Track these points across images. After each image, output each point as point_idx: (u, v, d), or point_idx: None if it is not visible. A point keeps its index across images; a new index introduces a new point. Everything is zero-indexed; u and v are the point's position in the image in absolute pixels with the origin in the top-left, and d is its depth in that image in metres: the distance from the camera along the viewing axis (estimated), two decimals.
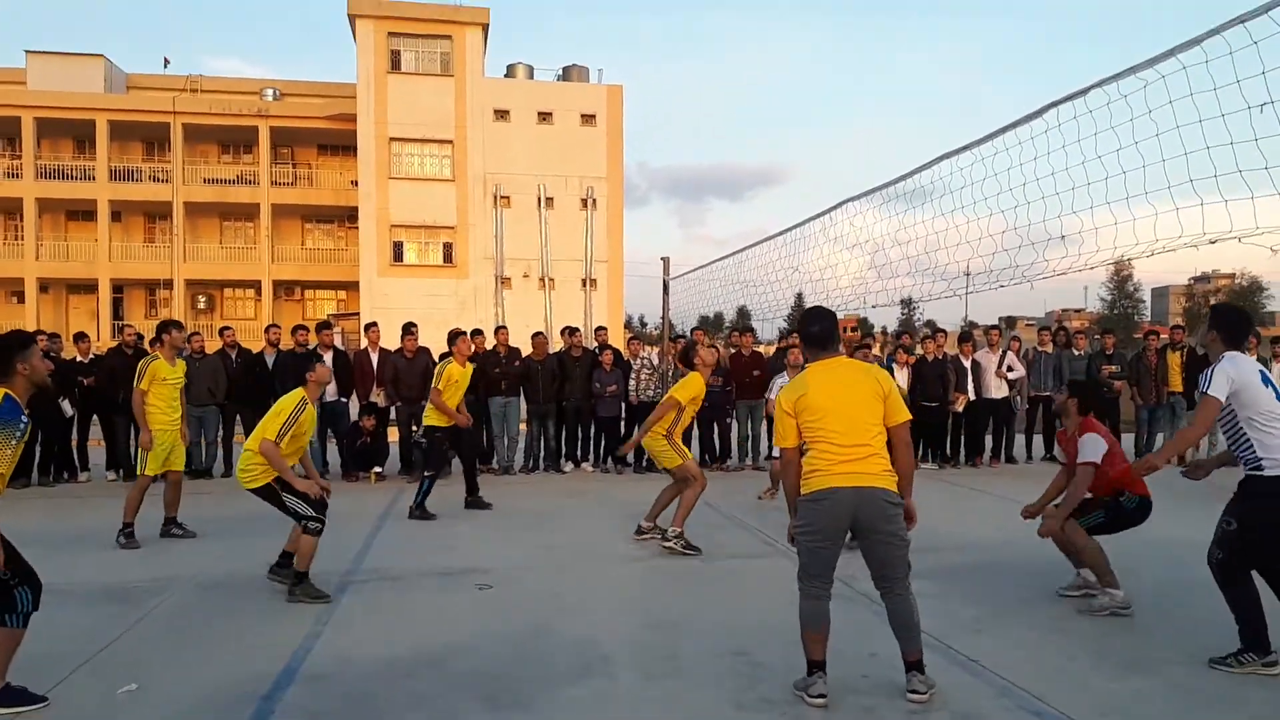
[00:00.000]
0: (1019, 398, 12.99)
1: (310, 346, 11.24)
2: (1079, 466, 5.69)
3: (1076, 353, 13.20)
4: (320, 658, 4.84)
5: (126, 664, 4.73)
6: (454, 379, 9.02)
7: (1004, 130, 6.35)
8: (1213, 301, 60.87)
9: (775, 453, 8.88)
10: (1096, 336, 16.98)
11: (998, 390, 12.54)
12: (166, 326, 8.04)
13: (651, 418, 7.66)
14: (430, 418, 9.11)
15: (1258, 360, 4.79)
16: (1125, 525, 5.81)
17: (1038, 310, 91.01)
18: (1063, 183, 6.03)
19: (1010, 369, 12.56)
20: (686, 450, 7.79)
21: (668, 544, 7.41)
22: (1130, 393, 12.97)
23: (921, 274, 7.99)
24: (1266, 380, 4.61)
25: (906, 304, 72.51)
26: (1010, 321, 76.47)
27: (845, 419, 4.18)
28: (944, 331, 13.23)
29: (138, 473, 7.84)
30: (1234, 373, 4.54)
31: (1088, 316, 76.44)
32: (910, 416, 4.37)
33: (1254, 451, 4.55)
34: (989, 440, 12.91)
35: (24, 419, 4.10)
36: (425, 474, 9.00)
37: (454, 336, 9.43)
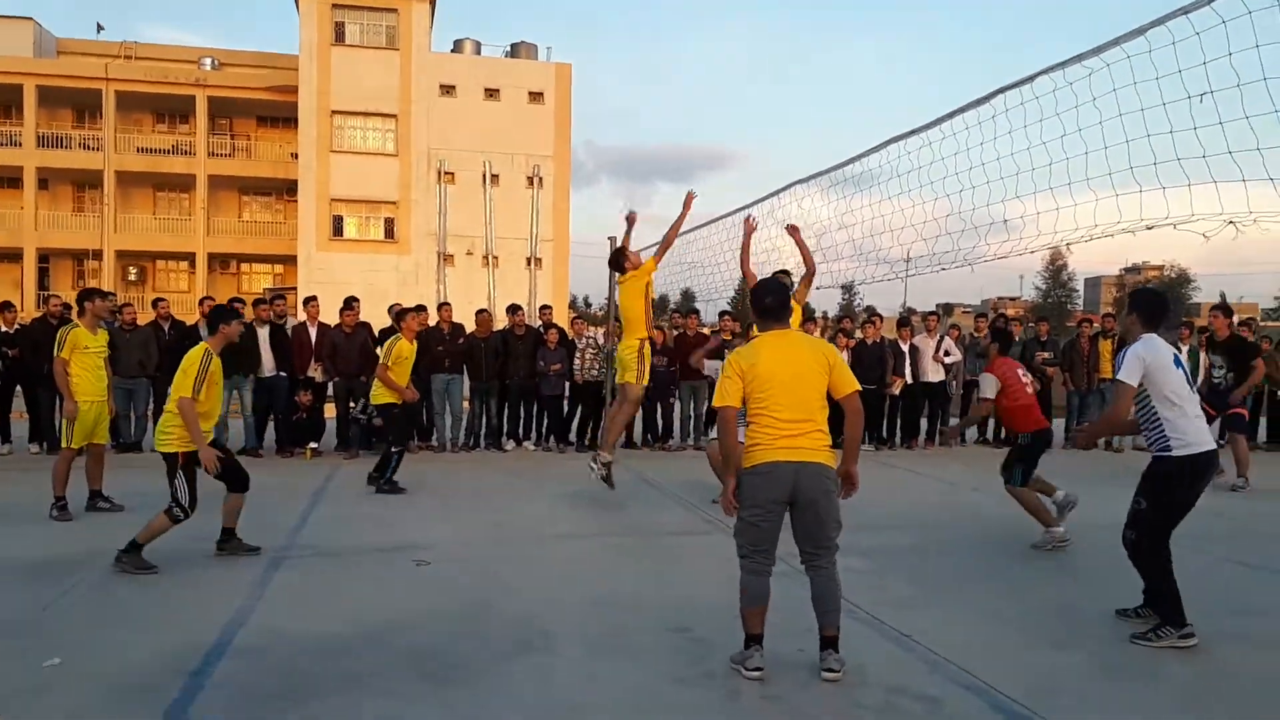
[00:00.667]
0: (954, 382, 13.24)
1: (246, 320, 10.96)
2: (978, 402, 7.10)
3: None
4: (253, 632, 4.75)
5: (51, 638, 4.59)
6: (403, 355, 8.93)
7: (951, 115, 6.42)
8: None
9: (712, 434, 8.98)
10: (1031, 324, 17.36)
11: (934, 374, 12.77)
12: (89, 294, 7.81)
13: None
14: (381, 395, 8.95)
15: (1186, 349, 4.95)
16: (1038, 455, 6.99)
17: (974, 298, 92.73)
18: (1007, 168, 6.14)
19: (947, 353, 12.79)
20: (645, 374, 8.18)
21: (592, 467, 8.03)
22: (1063, 378, 13.29)
23: (864, 257, 8.08)
24: (1178, 363, 4.80)
25: (847, 289, 73.45)
26: (948, 308, 77.92)
27: (790, 393, 4.24)
28: (880, 316, 13.42)
29: (61, 445, 7.62)
30: (1146, 355, 4.74)
31: (1023, 305, 78.20)
32: (859, 386, 4.46)
33: (1163, 432, 4.78)
34: (924, 423, 13.14)
35: None
36: (392, 449, 8.87)
37: (402, 313, 9.32)
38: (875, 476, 9.90)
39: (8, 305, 11.52)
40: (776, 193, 8.92)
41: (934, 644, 4.68)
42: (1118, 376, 4.76)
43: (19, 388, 11.12)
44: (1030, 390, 6.90)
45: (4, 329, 11.04)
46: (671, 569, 6.22)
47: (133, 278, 38.59)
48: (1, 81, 35.48)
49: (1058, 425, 13.57)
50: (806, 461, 4.19)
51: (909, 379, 12.65)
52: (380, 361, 8.93)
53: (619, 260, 8.57)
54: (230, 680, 4.10)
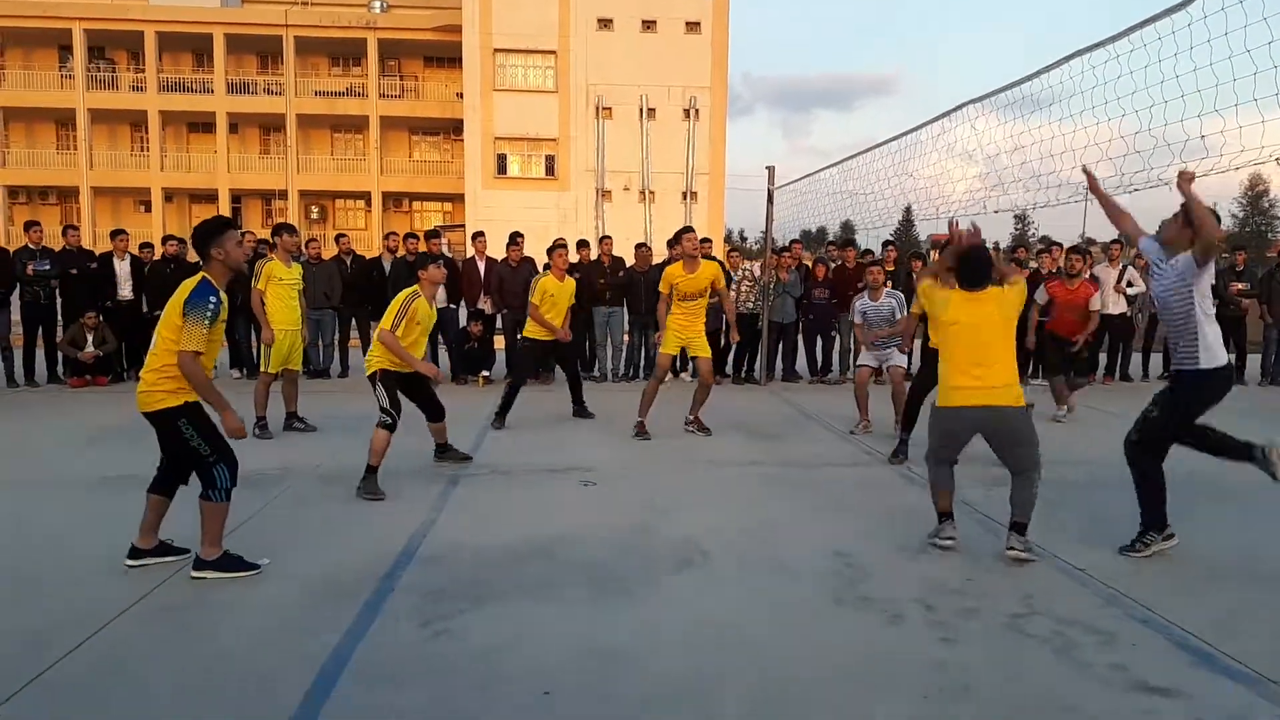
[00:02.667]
0: (1139, 314, 12.47)
1: (419, 253, 11.52)
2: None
3: None
4: (435, 543, 5.09)
5: (257, 544, 5.04)
6: (549, 292, 8.69)
7: (1143, 24, 5.91)
8: None
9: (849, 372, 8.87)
10: (1225, 254, 16.06)
11: (1115, 306, 12.04)
12: (280, 229, 8.37)
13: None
14: (530, 330, 8.92)
15: None
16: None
17: None
18: (1205, 80, 5.66)
19: (1130, 284, 12.02)
20: (668, 339, 8.39)
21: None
22: (1260, 311, 12.30)
23: (1039, 181, 7.60)
24: None
25: (1021, 219, 69.80)
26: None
27: (973, 337, 4.78)
28: (1059, 245, 12.68)
29: (260, 370, 8.27)
30: None
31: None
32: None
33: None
34: (1103, 357, 12.46)
35: (213, 299, 4.39)
36: (507, 383, 8.87)
37: (552, 249, 9.12)
38: (1051, 412, 9.50)
39: None
40: (947, 113, 8.48)
41: (1110, 579, 4.53)
42: None
43: None
44: None
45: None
46: (829, 498, 6.21)
47: (315, 216, 40.91)
48: (194, 31, 37.94)
49: (1253, 361, 12.64)
50: (989, 406, 4.73)
51: None
52: (529, 299, 8.78)
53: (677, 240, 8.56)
54: (416, 585, 4.42)
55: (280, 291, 8.10)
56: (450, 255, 12.32)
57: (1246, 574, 4.64)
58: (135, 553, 4.62)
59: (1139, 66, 6.20)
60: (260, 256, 11.17)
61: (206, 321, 4.33)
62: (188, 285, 4.42)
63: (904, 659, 3.64)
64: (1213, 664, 3.58)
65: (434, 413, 6.91)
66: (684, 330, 8.37)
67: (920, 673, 3.50)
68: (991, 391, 4.71)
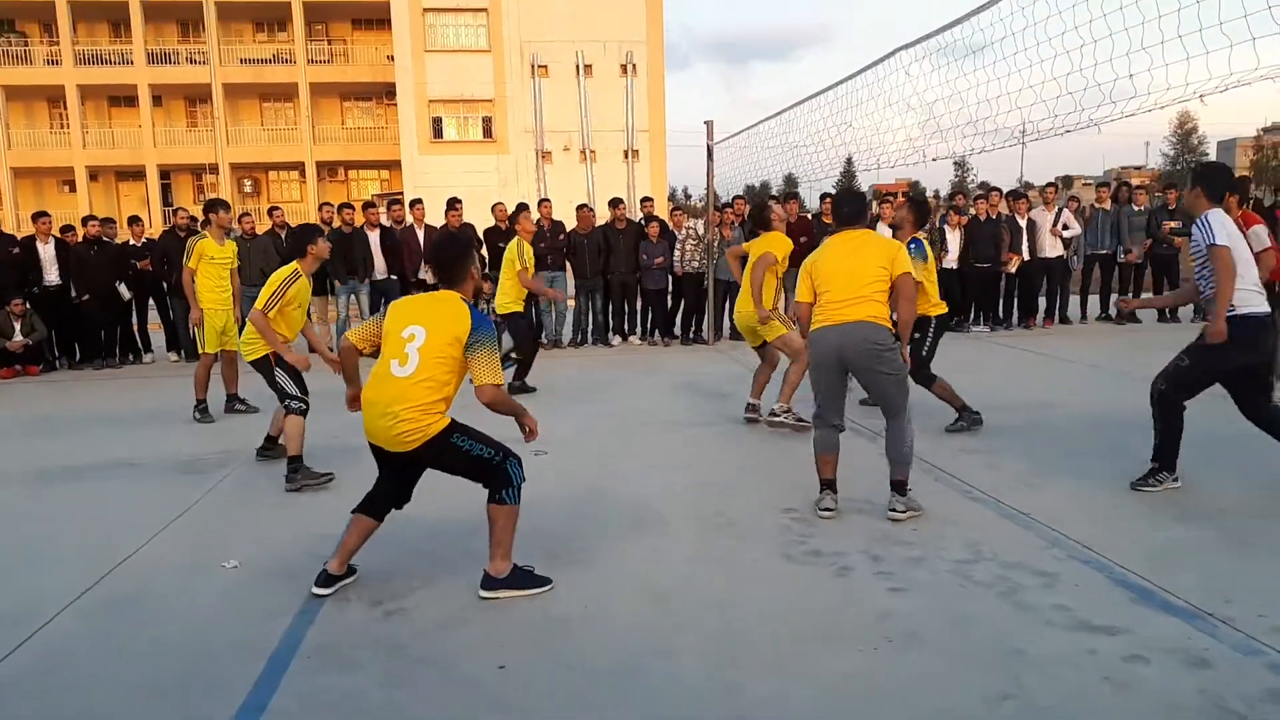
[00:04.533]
0: (1075, 257, 12.70)
1: (355, 225, 11.28)
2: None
3: (1137, 208, 12.78)
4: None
5: (201, 530, 4.96)
6: (530, 256, 8.76)
7: None
8: None
9: None
10: (1158, 193, 16.42)
11: (1053, 249, 12.24)
12: (214, 206, 8.11)
13: (756, 285, 6.91)
14: (508, 303, 8.70)
15: None
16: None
17: (1095, 169, 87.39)
18: (1132, 17, 5.67)
19: (1066, 227, 12.22)
20: (789, 320, 7.06)
21: (774, 419, 7.03)
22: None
23: (979, 126, 7.64)
24: None
25: (960, 165, 70.56)
26: (1067, 180, 73.97)
27: (844, 276, 4.74)
28: (998, 190, 12.82)
29: (198, 351, 8.07)
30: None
31: (1149, 174, 73.41)
32: (910, 270, 4.81)
33: None
34: (1043, 301, 12.69)
35: (486, 320, 4.21)
36: (519, 356, 8.86)
37: (517, 212, 9.20)
38: (991, 357, 9.69)
39: (135, 219, 12.13)
40: (880, 60, 8.43)
41: (1052, 520, 4.63)
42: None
43: (151, 300, 11.77)
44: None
45: (133, 242, 11.63)
46: (779, 455, 6.27)
47: (248, 189, 39.85)
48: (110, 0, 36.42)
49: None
50: (849, 323, 4.68)
51: (1025, 255, 12.17)
52: (517, 268, 8.55)
53: (763, 216, 7.27)
54: (365, 564, 4.35)
55: (210, 270, 7.86)
56: (390, 225, 12.06)
57: (1186, 510, 4.77)
58: (326, 579, 4.08)
59: (1067, 6, 6.25)
60: (193, 233, 10.90)
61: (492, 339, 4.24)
62: (448, 306, 4.08)
63: (854, 610, 3.69)
64: (1151, 600, 3.68)
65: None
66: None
67: (870, 623, 3.56)
68: (852, 316, 4.79)
